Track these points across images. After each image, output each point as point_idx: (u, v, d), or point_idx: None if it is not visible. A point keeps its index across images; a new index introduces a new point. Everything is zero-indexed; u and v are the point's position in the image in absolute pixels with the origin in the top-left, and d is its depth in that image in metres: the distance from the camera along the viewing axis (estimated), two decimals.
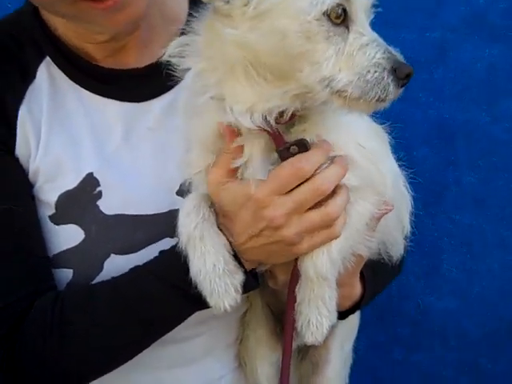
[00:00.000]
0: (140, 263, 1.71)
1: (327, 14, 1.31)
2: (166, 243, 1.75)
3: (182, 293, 1.61)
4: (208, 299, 1.54)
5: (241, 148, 1.52)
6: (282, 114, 1.46)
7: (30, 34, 1.81)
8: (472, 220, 2.73)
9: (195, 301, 1.59)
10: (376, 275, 1.94)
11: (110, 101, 1.82)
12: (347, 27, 1.35)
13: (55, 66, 1.80)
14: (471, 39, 2.60)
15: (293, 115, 1.48)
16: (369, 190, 1.61)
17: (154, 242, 1.77)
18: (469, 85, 2.63)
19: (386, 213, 1.67)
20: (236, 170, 1.55)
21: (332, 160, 1.53)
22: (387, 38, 2.57)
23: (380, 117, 2.54)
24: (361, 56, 1.33)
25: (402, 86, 1.34)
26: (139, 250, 1.76)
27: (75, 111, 1.81)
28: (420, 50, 2.66)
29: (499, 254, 2.72)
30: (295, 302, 1.63)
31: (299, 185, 1.49)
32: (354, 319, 2.15)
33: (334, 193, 1.53)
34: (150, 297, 1.64)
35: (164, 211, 1.79)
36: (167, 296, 1.64)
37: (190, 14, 1.73)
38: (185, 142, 1.67)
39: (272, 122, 1.45)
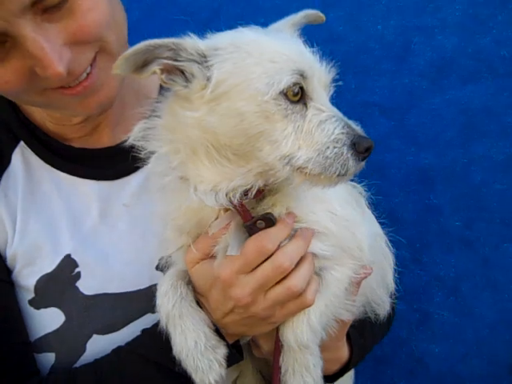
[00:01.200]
0: (123, 341, 1.71)
1: (284, 93, 1.34)
2: (147, 319, 1.75)
3: (167, 371, 1.61)
4: (193, 376, 1.54)
5: (221, 232, 1.52)
6: (247, 191, 1.46)
7: (3, 119, 1.82)
8: (459, 263, 2.70)
9: (181, 378, 1.58)
10: (363, 336, 1.95)
11: (85, 181, 1.83)
12: (305, 104, 1.37)
13: (29, 150, 1.81)
14: (441, 83, 2.60)
15: (260, 191, 1.48)
16: (345, 256, 1.61)
17: (135, 319, 1.76)
18: (442, 128, 2.62)
19: (365, 277, 1.67)
20: (211, 251, 1.55)
21: (294, 234, 1.53)
22: (357, 85, 2.60)
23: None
24: (320, 132, 1.34)
25: (363, 160, 1.36)
26: (121, 328, 1.75)
27: (51, 194, 1.81)
28: (390, 97, 2.66)
29: (489, 295, 2.68)
30: (280, 372, 1.61)
31: (263, 261, 1.50)
32: (348, 380, 2.13)
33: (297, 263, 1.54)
34: (134, 378, 1.63)
35: (144, 287, 1.78)
36: (152, 375, 1.63)
37: (160, 91, 1.78)
38: (161, 219, 1.67)
39: (238, 198, 1.45)
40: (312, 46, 2.26)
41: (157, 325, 1.62)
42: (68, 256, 1.77)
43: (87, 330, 1.75)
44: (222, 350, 1.58)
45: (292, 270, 1.52)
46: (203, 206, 1.53)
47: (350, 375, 2.15)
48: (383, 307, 1.95)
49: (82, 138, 1.87)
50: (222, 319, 1.59)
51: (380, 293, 1.92)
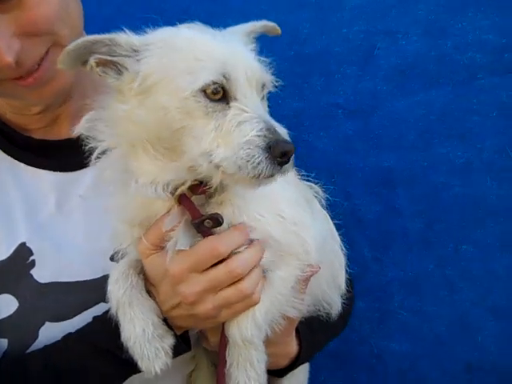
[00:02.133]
0: (75, 330, 1.72)
1: (203, 91, 1.36)
2: (100, 308, 1.76)
3: (114, 358, 1.63)
4: (139, 363, 1.55)
5: (172, 227, 1.53)
6: (194, 187, 1.49)
7: None
8: (419, 263, 2.73)
9: (128, 365, 1.60)
10: (313, 332, 1.97)
11: (43, 171, 1.85)
12: (228, 104, 1.39)
13: None
14: (404, 87, 2.63)
15: (204, 188, 1.49)
16: (291, 258, 1.62)
17: (88, 308, 1.78)
18: (404, 132, 2.66)
19: (312, 275, 1.69)
20: (162, 243, 1.56)
21: (250, 242, 1.55)
22: (322, 88, 2.64)
23: (320, 168, 2.59)
24: (237, 133, 1.35)
25: (281, 164, 1.35)
26: (73, 316, 1.76)
27: (7, 182, 1.83)
28: (354, 100, 2.70)
29: (447, 295, 2.72)
30: (225, 366, 1.64)
31: (216, 264, 1.52)
32: (302, 373, 2.15)
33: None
34: (82, 364, 1.65)
35: (98, 277, 1.80)
36: (99, 361, 1.65)
37: None
38: (113, 211, 1.68)
39: (185, 194, 1.49)
40: (278, 48, 2.31)
41: (107, 312, 1.63)
42: (23, 244, 1.79)
43: (40, 317, 1.76)
44: (170, 340, 1.60)
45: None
46: (153, 200, 1.55)
47: (303, 370, 2.17)
48: (334, 307, 1.97)
49: (41, 129, 1.89)
50: (169, 311, 1.61)
51: (331, 293, 1.95)
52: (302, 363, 1.99)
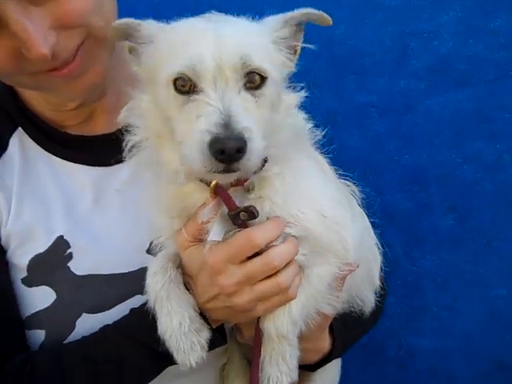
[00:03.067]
0: (112, 321, 1.75)
1: (174, 83, 1.37)
2: (137, 300, 1.78)
3: (151, 351, 1.65)
4: (175, 356, 1.57)
5: (210, 218, 1.55)
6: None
7: (2, 106, 1.88)
8: (450, 260, 2.76)
9: (164, 358, 1.62)
10: (347, 328, 1.97)
11: (79, 166, 1.88)
12: (196, 96, 1.36)
13: (27, 135, 1.88)
14: (436, 86, 2.67)
15: (242, 180, 1.51)
16: (329, 255, 1.62)
17: (125, 300, 1.81)
18: (437, 130, 2.69)
19: (350, 273, 1.69)
20: (201, 235, 1.57)
21: (286, 237, 1.56)
22: (356, 87, 2.72)
23: (353, 166, 2.65)
24: (194, 126, 1.32)
25: (224, 162, 1.30)
26: (110, 308, 1.80)
27: (46, 177, 1.87)
28: (388, 99, 2.73)
29: (478, 292, 2.75)
30: (259, 359, 1.65)
31: (253, 256, 1.53)
32: (334, 368, 2.16)
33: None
34: (119, 356, 1.68)
35: (134, 269, 1.83)
36: (136, 354, 1.68)
37: None
38: (151, 204, 1.70)
39: (219, 185, 1.49)
40: (312, 49, 2.36)
41: (145, 305, 1.65)
42: (61, 237, 1.82)
43: (77, 309, 1.78)
44: (206, 334, 1.60)
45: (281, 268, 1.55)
46: (190, 191, 1.57)
47: (336, 365, 2.17)
48: (368, 303, 1.97)
49: (78, 125, 1.92)
50: (206, 304, 1.62)
51: (365, 289, 1.94)
52: (334, 359, 1.99)
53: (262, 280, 1.55)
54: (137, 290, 1.77)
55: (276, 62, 1.47)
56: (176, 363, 1.60)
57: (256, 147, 1.31)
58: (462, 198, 2.71)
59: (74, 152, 1.89)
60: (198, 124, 1.31)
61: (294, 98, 1.58)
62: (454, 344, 2.83)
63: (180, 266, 1.67)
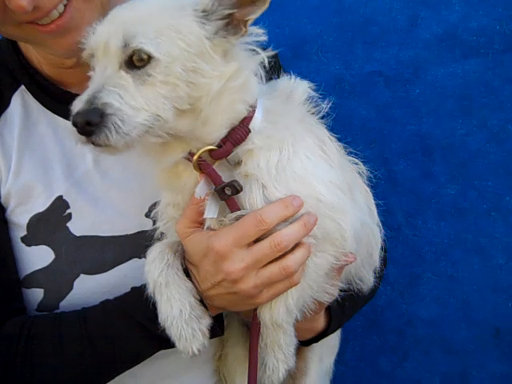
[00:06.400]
0: (109, 283, 1.78)
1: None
2: (133, 263, 1.81)
3: (148, 331, 1.66)
4: (176, 344, 1.57)
5: (203, 200, 1.55)
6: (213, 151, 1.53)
7: (6, 64, 1.88)
8: (451, 229, 2.78)
9: (161, 340, 1.63)
10: (344, 308, 1.98)
11: None
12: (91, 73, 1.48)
13: (29, 94, 1.88)
14: (444, 56, 2.68)
15: (221, 152, 1.53)
16: (327, 243, 1.61)
17: (122, 263, 1.82)
18: (443, 100, 2.70)
19: (347, 264, 1.68)
20: (200, 218, 1.58)
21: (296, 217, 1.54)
22: (365, 56, 2.77)
23: (359, 134, 2.73)
24: None
25: (82, 134, 1.40)
26: (108, 270, 1.82)
27: (47, 136, 1.87)
28: (396, 69, 2.75)
29: (478, 261, 2.78)
30: (257, 345, 1.68)
31: (259, 240, 1.51)
32: (334, 336, 2.17)
33: (293, 247, 1.54)
34: (116, 333, 1.69)
35: (132, 232, 1.84)
36: (133, 333, 1.68)
37: None
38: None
39: (203, 160, 1.52)
40: (322, 16, 2.39)
41: (144, 285, 1.65)
42: (60, 197, 1.84)
43: (75, 269, 1.80)
44: (207, 321, 1.61)
45: (288, 252, 1.53)
46: (180, 170, 1.60)
47: (336, 333, 2.18)
48: (367, 283, 1.98)
49: (80, 84, 1.83)
50: (208, 291, 1.59)
51: (365, 270, 1.95)
52: (328, 335, 2.01)
53: (267, 264, 1.54)
54: (134, 253, 1.81)
55: (186, 38, 1.47)
56: (174, 346, 1.60)
57: (119, 122, 1.38)
58: (465, 167, 2.73)
59: None
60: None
61: (235, 65, 1.55)
62: (453, 312, 2.86)
63: (178, 252, 1.66)
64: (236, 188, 1.50)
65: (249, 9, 1.49)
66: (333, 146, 1.73)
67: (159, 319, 1.59)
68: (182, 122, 1.48)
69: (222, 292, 1.57)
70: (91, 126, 1.35)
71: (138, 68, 1.43)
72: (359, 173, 1.87)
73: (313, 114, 1.74)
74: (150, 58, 1.42)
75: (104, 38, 1.43)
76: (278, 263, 1.53)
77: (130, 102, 1.39)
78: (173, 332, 1.57)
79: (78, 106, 1.39)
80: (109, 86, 1.40)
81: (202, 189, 1.54)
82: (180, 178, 1.61)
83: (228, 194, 1.51)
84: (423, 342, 2.96)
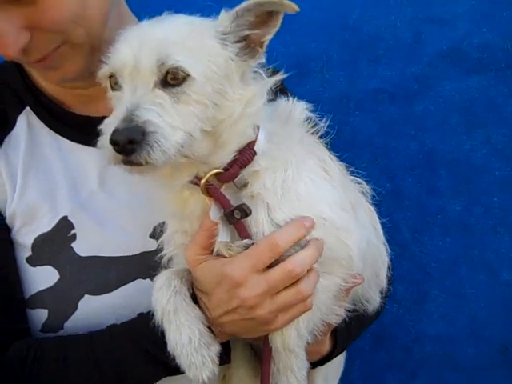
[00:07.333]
0: (113, 304, 1.77)
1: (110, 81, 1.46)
2: (138, 284, 1.80)
3: (154, 357, 1.65)
4: (186, 372, 1.55)
5: (214, 224, 1.55)
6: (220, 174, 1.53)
7: (11, 86, 1.89)
8: (458, 245, 2.79)
9: (166, 366, 1.63)
10: (349, 330, 1.97)
11: (85, 147, 1.87)
12: (118, 93, 1.48)
13: (34, 115, 1.89)
14: (449, 73, 2.71)
15: (228, 175, 1.53)
16: (335, 264, 1.62)
17: (126, 283, 1.82)
18: (448, 116, 2.72)
19: (355, 286, 1.68)
20: (211, 244, 1.58)
21: (306, 242, 1.55)
22: (369, 73, 2.80)
23: (365, 150, 2.75)
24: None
25: (121, 153, 1.38)
26: (112, 290, 1.81)
27: (52, 157, 1.87)
28: (400, 85, 2.76)
29: (485, 278, 2.78)
30: (269, 371, 1.67)
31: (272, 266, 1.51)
32: (336, 361, 2.14)
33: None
34: (122, 359, 1.68)
35: (137, 253, 1.84)
36: (139, 359, 1.68)
37: None
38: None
39: (211, 183, 1.51)
40: (327, 33, 2.42)
41: (152, 312, 1.64)
42: (65, 218, 1.83)
43: (80, 290, 1.79)
44: (216, 348, 1.59)
45: (302, 276, 1.53)
46: (187, 196, 1.61)
47: (339, 357, 2.15)
48: (373, 304, 1.97)
49: (83, 106, 1.91)
50: (220, 317, 1.58)
51: (371, 290, 1.94)
52: (333, 358, 1.99)
53: (282, 290, 1.53)
54: (138, 274, 1.81)
55: (215, 59, 1.49)
56: (179, 373, 1.60)
57: (162, 140, 1.37)
58: (470, 183, 2.73)
59: (80, 133, 1.88)
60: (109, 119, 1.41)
61: (253, 90, 1.56)
62: (460, 329, 2.85)
63: (184, 279, 1.65)
64: (245, 211, 1.50)
65: (262, 30, 1.51)
66: (334, 166, 1.74)
67: (168, 347, 1.57)
68: (202, 145, 1.49)
69: (236, 318, 1.56)
70: (133, 144, 1.34)
71: (173, 86, 1.43)
72: (362, 192, 1.87)
73: (312, 133, 1.75)
74: (185, 76, 1.43)
75: (132, 58, 1.43)
76: (292, 288, 1.53)
77: (168, 120, 1.39)
78: (182, 360, 1.56)
79: (113, 124, 1.37)
80: (146, 104, 1.39)
81: (214, 213, 1.54)
82: (186, 204, 1.61)
83: (237, 217, 1.51)
84: (431, 360, 2.95)
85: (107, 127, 1.39)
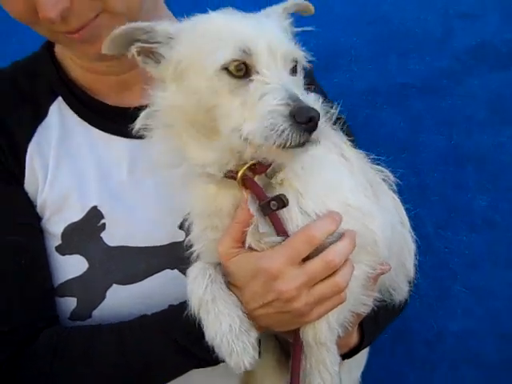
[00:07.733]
0: (141, 293, 1.79)
1: (226, 69, 1.39)
2: (166, 274, 1.82)
3: (183, 349, 1.66)
4: (227, 360, 1.53)
5: (249, 216, 1.55)
6: (253, 167, 1.51)
7: (44, 76, 1.91)
8: (482, 241, 2.78)
9: (195, 357, 1.65)
10: (377, 322, 1.96)
11: (116, 137, 1.90)
12: (251, 79, 1.40)
13: (66, 105, 1.90)
14: (478, 68, 2.70)
15: (264, 166, 1.52)
16: (361, 252, 1.60)
17: (154, 273, 1.83)
18: (476, 111, 2.71)
19: (383, 273, 1.68)
20: (244, 237, 1.57)
21: (341, 234, 1.55)
22: (399, 67, 2.80)
23: (391, 145, 2.76)
24: (260, 105, 1.35)
25: (308, 131, 1.34)
26: (140, 280, 1.82)
27: (83, 147, 1.88)
28: (429, 79, 2.76)
29: (510, 274, 2.77)
30: (299, 366, 1.65)
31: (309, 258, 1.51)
32: (359, 355, 2.08)
33: None
34: (151, 350, 1.70)
35: (165, 243, 1.85)
36: (167, 350, 1.68)
37: None
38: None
39: (248, 175, 1.50)
40: (358, 27, 2.42)
41: (183, 303, 1.63)
42: (95, 207, 1.85)
43: (108, 279, 1.81)
44: (255, 333, 1.57)
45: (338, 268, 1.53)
46: (214, 192, 1.59)
47: (363, 351, 2.11)
48: (400, 293, 1.96)
49: (115, 95, 1.93)
50: (254, 311, 1.57)
51: (399, 280, 1.93)
52: (361, 351, 1.99)
53: (319, 282, 1.53)
54: (167, 265, 1.82)
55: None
56: (210, 364, 1.63)
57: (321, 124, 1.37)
58: (497, 179, 2.73)
59: (111, 123, 1.90)
60: (264, 102, 1.36)
61: None
62: (483, 326, 2.85)
63: (218, 267, 1.64)
64: (283, 201, 1.50)
65: None
66: (351, 152, 1.74)
67: (206, 337, 1.56)
68: None
69: (271, 312, 1.56)
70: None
71: (295, 75, 1.49)
72: (383, 179, 1.87)
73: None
74: (296, 68, 1.50)
75: (267, 44, 1.43)
76: (328, 281, 1.53)
77: None
78: (223, 348, 1.53)
79: (301, 101, 1.36)
80: (295, 89, 1.40)
81: (251, 205, 1.54)
82: (214, 200, 1.61)
83: (273, 208, 1.50)
84: (452, 355, 2.95)
85: (273, 108, 1.36)
